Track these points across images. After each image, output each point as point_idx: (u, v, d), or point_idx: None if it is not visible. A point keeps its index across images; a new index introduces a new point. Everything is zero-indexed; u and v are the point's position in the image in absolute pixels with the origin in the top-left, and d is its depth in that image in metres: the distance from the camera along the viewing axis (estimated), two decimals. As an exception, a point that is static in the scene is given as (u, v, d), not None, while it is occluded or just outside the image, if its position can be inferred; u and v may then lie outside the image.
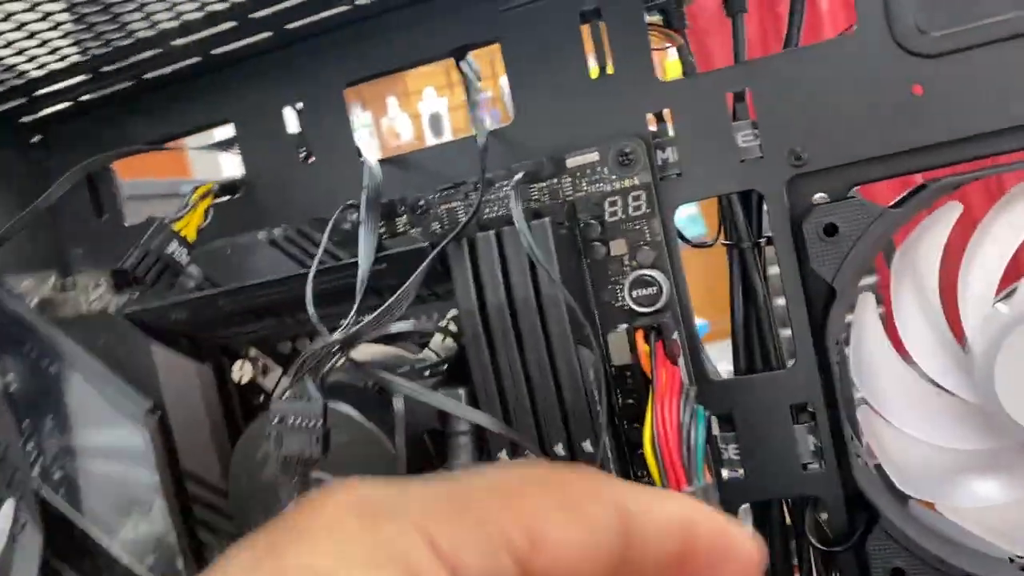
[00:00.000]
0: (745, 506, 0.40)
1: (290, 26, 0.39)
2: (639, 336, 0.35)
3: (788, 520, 0.40)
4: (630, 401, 0.39)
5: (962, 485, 0.35)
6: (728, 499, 0.39)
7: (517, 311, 0.34)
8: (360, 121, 2.50)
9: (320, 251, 0.35)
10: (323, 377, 0.32)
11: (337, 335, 0.31)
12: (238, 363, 0.42)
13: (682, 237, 0.43)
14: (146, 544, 0.45)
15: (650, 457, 0.30)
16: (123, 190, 0.48)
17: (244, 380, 0.41)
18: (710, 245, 0.40)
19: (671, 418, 0.30)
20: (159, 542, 0.44)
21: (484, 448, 0.37)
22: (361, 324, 0.31)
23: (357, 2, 0.38)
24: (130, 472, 0.45)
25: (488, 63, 0.41)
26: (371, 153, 0.40)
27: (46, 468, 0.46)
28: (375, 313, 0.31)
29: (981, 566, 0.35)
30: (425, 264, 0.33)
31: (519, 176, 0.35)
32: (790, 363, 0.38)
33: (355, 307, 0.32)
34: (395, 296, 0.31)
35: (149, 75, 0.44)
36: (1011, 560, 0.36)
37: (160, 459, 0.42)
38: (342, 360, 0.32)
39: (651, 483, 0.31)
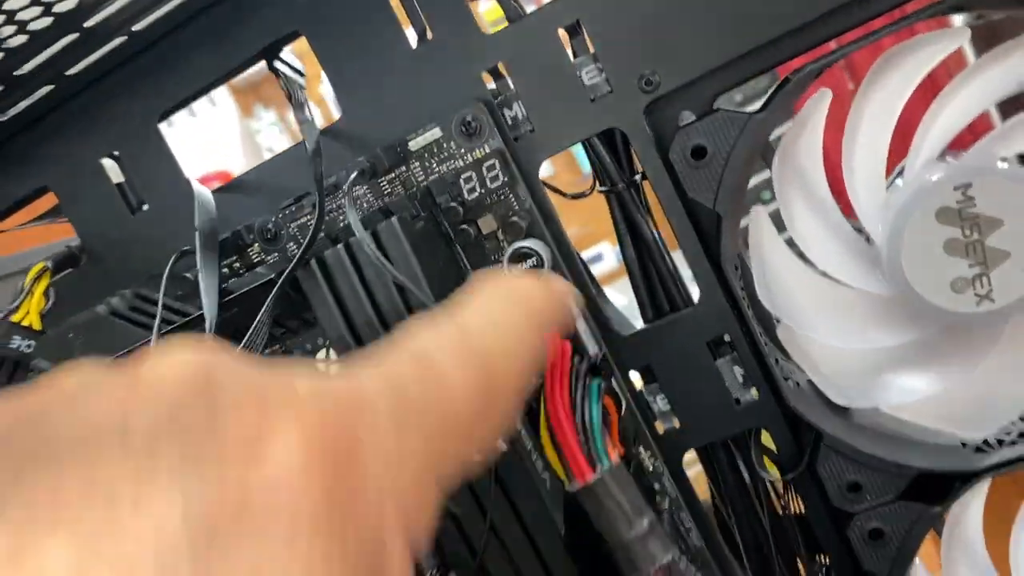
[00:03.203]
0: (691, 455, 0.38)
1: (70, 72, 0.35)
2: (526, 317, 0.32)
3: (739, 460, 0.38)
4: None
5: (896, 382, 0.33)
6: (669, 452, 0.37)
7: (390, 327, 0.31)
8: (266, 120, 2.42)
9: (159, 311, 0.31)
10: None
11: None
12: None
13: (558, 191, 0.40)
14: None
15: (548, 447, 0.27)
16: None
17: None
18: (587, 194, 0.37)
19: (562, 400, 0.27)
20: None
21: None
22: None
23: (134, 29, 0.34)
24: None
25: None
26: (200, 185, 0.36)
27: None
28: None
29: (935, 459, 0.33)
30: (271, 298, 0.29)
31: (353, 175, 0.32)
32: (696, 299, 0.35)
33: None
34: (241, 345, 0.28)
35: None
36: (963, 445, 0.34)
37: None
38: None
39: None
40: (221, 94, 2.18)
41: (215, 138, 2.19)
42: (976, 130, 0.32)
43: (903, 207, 0.31)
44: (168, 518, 0.13)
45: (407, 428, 0.17)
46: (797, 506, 0.38)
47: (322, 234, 0.33)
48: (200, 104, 2.05)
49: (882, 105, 0.32)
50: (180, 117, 2.05)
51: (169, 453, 0.14)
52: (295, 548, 0.14)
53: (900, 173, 0.33)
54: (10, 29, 0.28)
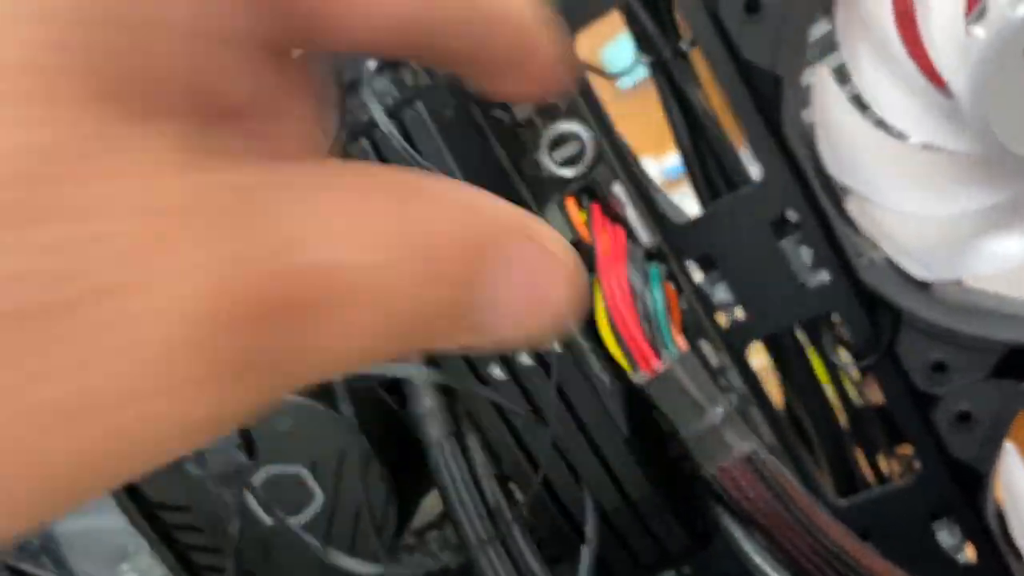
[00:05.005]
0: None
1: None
2: (570, 205, 0.30)
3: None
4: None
5: (985, 249, 0.30)
6: (733, 344, 0.34)
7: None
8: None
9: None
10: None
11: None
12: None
13: (599, 71, 0.37)
14: (149, 585, 0.41)
15: (608, 338, 0.25)
16: None
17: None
18: (628, 73, 0.34)
19: (620, 287, 0.25)
20: (159, 580, 0.41)
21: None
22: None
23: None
24: (103, 520, 0.41)
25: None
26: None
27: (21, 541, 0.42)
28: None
29: (1029, 330, 0.31)
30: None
31: (372, 67, 0.29)
32: (756, 176, 0.32)
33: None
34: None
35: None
36: (1061, 313, 0.31)
37: (121, 500, 0.38)
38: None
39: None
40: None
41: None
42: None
43: (986, 49, 0.28)
44: None
45: None
46: (876, 397, 0.36)
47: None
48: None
49: (959, -66, 0.28)
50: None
51: None
52: None
53: (981, 15, 0.29)
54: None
